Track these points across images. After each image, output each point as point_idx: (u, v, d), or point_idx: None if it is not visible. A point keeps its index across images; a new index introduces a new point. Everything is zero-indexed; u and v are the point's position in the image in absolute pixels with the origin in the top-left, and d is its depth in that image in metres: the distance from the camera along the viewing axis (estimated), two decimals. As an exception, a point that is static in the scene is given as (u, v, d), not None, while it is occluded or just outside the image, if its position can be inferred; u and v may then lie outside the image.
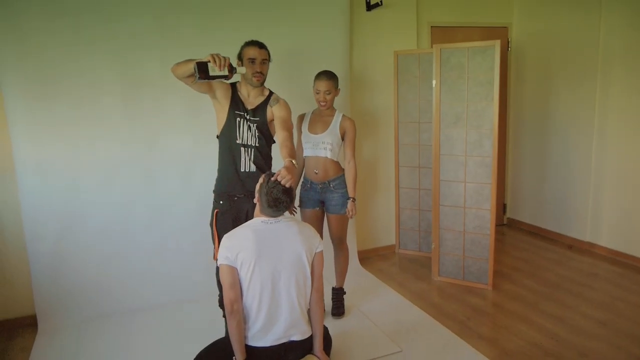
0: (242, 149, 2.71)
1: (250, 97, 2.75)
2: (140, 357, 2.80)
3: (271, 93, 2.82)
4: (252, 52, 2.65)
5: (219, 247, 2.59)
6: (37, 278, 3.17)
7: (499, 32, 4.74)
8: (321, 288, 2.40)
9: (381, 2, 3.93)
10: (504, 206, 5.20)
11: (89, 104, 3.16)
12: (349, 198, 3.02)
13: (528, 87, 4.81)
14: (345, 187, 3.06)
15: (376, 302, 3.39)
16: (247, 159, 2.72)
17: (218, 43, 3.40)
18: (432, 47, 4.00)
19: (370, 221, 4.33)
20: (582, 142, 4.31)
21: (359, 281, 3.74)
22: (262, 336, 2.24)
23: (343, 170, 3.09)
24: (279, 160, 2.68)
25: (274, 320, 2.24)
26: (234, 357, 2.24)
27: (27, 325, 3.23)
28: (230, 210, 2.72)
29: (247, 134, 2.71)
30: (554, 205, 4.65)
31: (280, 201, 2.24)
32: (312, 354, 2.36)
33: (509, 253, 4.34)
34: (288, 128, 2.70)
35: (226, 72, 2.43)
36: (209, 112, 3.52)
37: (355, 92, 4.08)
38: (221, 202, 2.73)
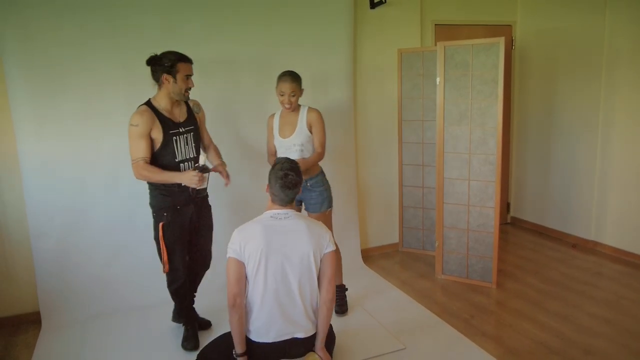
0: (182, 165, 2.71)
1: (175, 110, 2.73)
2: (145, 353, 2.80)
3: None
4: (189, 69, 2.68)
5: (168, 260, 2.66)
6: (41, 275, 3.18)
7: (503, 31, 4.73)
8: (332, 289, 2.38)
9: (385, -1, 3.93)
10: (508, 205, 5.19)
11: (94, 100, 3.17)
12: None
13: (532, 86, 4.79)
14: (323, 185, 3.04)
15: (379, 300, 3.39)
16: None
17: (222, 40, 3.42)
18: (435, 45, 3.99)
19: (373, 219, 4.33)
20: (586, 140, 4.30)
21: (362, 279, 3.74)
22: (265, 332, 2.25)
23: (320, 167, 3.07)
24: None
25: (277, 317, 2.24)
26: (234, 350, 2.25)
27: (31, 321, 3.23)
28: (175, 221, 2.71)
29: (184, 149, 2.71)
30: (558, 204, 4.64)
31: (288, 176, 2.24)
32: (314, 351, 2.36)
33: (512, 252, 4.32)
34: (206, 130, 2.95)
35: (204, 179, 2.62)
36: (212, 110, 3.53)
37: (358, 90, 4.07)
38: (165, 214, 2.69)
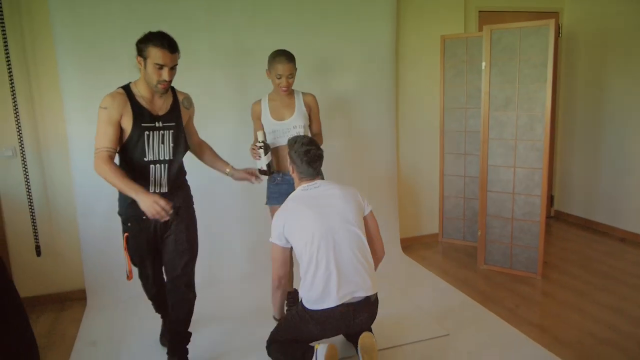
0: (152, 166, 2.22)
1: (156, 99, 2.24)
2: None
3: (174, 89, 2.36)
4: (161, 57, 2.10)
5: (131, 270, 2.28)
6: (87, 254, 3.26)
7: (550, 17, 4.53)
8: (382, 247, 2.46)
9: (428, -16, 3.86)
10: (552, 198, 5.03)
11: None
12: None
13: (580, 74, 4.62)
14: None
15: (421, 287, 3.33)
16: (159, 177, 2.25)
17: (265, 27, 3.42)
18: (480, 30, 3.90)
19: (413, 209, 4.26)
20: (638, 131, 4.11)
21: (402, 268, 3.69)
22: (326, 296, 2.19)
23: None
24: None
25: (334, 279, 2.18)
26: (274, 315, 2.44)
27: (77, 299, 3.33)
28: (140, 233, 2.28)
29: (159, 148, 2.23)
30: (606, 197, 4.45)
31: (310, 151, 2.32)
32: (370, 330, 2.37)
33: (557, 244, 4.18)
34: (194, 126, 2.54)
35: (265, 168, 2.63)
36: (256, 95, 3.53)
37: (400, 77, 4.01)
38: (129, 224, 2.27)
